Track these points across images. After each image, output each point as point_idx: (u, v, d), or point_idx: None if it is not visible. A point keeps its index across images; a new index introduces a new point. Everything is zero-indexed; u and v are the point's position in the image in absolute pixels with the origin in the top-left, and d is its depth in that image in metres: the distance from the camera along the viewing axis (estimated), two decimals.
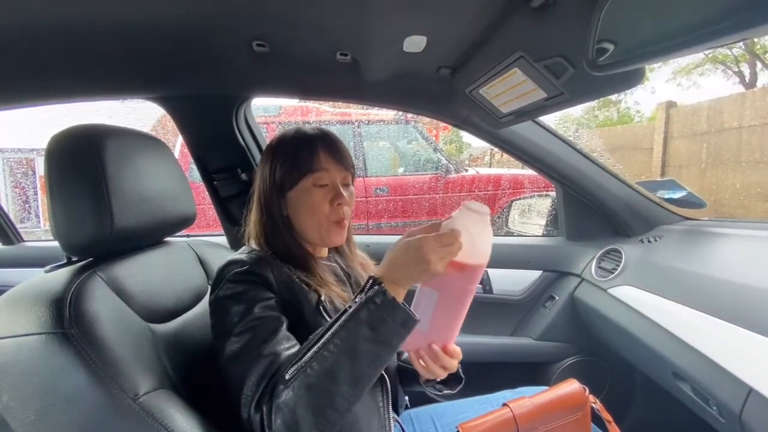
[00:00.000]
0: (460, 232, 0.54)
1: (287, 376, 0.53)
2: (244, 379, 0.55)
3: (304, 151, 0.70)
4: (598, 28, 0.45)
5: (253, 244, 0.74)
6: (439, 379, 0.75)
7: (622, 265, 1.13)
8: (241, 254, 0.69)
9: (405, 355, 0.83)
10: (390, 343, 0.54)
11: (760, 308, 0.72)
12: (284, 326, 0.62)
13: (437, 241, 0.53)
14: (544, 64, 0.65)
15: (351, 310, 0.54)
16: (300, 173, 0.69)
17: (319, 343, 0.54)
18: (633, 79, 0.57)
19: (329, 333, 0.54)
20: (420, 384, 0.80)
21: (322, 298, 0.67)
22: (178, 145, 2.72)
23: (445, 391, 0.78)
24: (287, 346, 0.59)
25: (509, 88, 0.78)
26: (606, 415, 0.82)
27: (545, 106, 0.77)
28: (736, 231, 1.03)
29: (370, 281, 0.56)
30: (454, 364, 0.64)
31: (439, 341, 0.62)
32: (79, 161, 0.62)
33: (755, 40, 7.84)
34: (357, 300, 0.55)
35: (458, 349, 0.65)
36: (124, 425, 0.49)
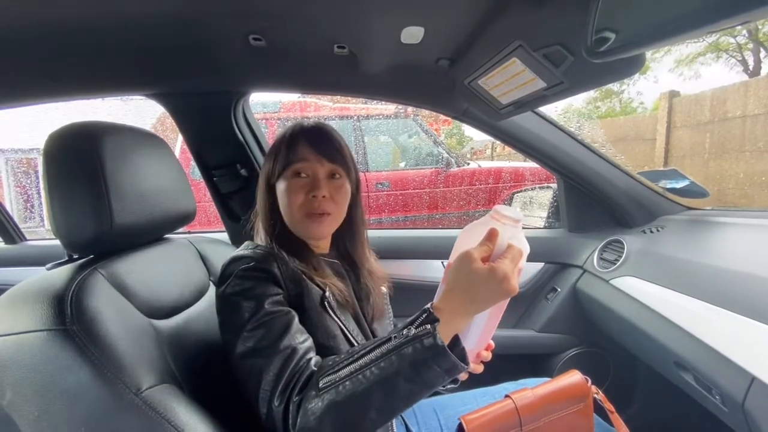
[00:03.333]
0: (521, 250, 0.53)
1: (320, 384, 0.52)
2: (261, 374, 0.55)
3: (288, 143, 0.71)
4: (596, 14, 0.45)
5: (262, 237, 0.74)
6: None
7: (624, 255, 1.12)
8: (245, 250, 0.69)
9: None
10: (430, 386, 0.52)
11: (762, 297, 0.72)
12: (296, 320, 0.62)
13: (513, 263, 0.51)
14: (543, 53, 0.64)
15: (396, 342, 0.52)
16: (282, 164, 0.71)
17: (358, 363, 0.52)
18: (633, 65, 0.57)
19: (370, 356, 0.52)
20: None
21: (327, 293, 0.68)
22: (178, 143, 2.71)
23: (449, 386, 0.78)
24: (302, 339, 0.60)
25: (508, 78, 0.78)
26: (608, 406, 0.83)
27: (545, 96, 0.76)
28: (739, 220, 1.02)
29: (424, 315, 0.53)
30: (489, 356, 0.66)
31: (482, 347, 0.63)
32: (77, 158, 0.62)
33: (759, 27, 7.74)
34: (404, 332, 0.52)
35: (492, 343, 0.66)
36: (127, 420, 0.50)
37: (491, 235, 0.53)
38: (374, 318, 0.79)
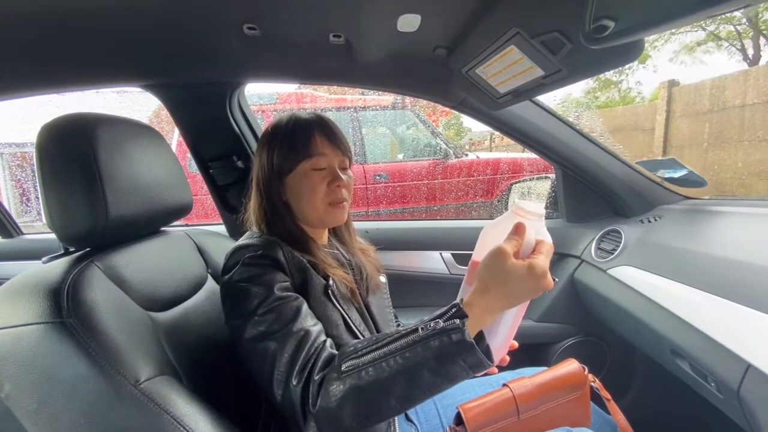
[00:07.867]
0: (552, 246, 0.53)
1: (342, 368, 0.53)
2: (275, 357, 0.55)
3: (301, 136, 0.71)
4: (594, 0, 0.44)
5: (255, 230, 0.74)
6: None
7: (621, 245, 1.13)
8: (249, 239, 0.69)
9: None
10: (454, 380, 0.52)
11: (759, 285, 0.72)
12: (305, 305, 0.62)
13: (548, 258, 0.52)
14: (541, 40, 0.64)
15: (423, 334, 0.51)
16: (298, 158, 0.70)
17: (382, 351, 0.53)
18: (632, 52, 0.56)
19: (395, 344, 0.52)
20: None
21: (330, 282, 0.68)
22: (175, 137, 2.69)
23: None
24: (313, 323, 0.61)
25: (506, 67, 0.77)
26: (605, 394, 0.83)
27: (543, 84, 0.75)
28: (737, 209, 1.02)
29: (453, 309, 0.53)
30: (507, 359, 0.65)
31: (507, 345, 0.62)
32: (71, 150, 0.61)
33: (759, 14, 7.68)
34: (431, 324, 0.52)
35: (515, 343, 0.66)
36: (126, 411, 0.50)
37: (518, 230, 0.53)
38: (369, 290, 0.80)
